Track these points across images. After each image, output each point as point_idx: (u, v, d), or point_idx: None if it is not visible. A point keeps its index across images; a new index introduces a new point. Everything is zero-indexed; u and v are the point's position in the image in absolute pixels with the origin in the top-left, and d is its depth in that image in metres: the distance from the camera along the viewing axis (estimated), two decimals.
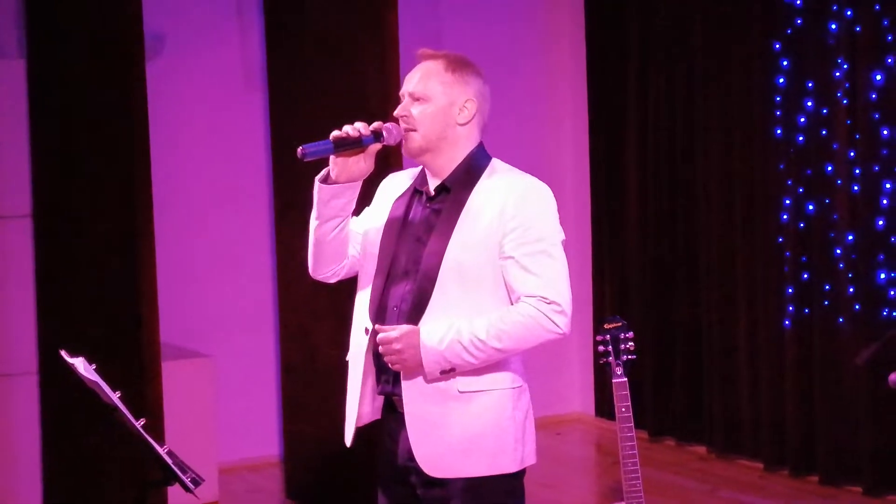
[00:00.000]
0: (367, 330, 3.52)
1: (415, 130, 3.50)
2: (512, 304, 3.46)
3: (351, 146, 3.44)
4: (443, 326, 3.41)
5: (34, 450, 6.19)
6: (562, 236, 3.52)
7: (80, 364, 3.38)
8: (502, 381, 3.51)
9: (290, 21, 6.71)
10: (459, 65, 3.55)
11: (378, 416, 3.62)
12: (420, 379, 3.45)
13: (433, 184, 3.57)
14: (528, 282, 3.43)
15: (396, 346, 3.40)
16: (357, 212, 3.67)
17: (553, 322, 3.42)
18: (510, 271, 3.45)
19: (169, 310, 6.67)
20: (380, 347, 3.43)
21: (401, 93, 3.58)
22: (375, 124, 3.49)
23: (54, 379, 6.02)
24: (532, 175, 3.57)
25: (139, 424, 3.45)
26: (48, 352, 5.97)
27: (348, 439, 3.63)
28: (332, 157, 3.47)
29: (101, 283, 6.11)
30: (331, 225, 3.55)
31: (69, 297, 6.10)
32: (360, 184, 3.53)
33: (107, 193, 6.13)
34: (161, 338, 6.31)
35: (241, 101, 7.33)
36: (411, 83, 3.54)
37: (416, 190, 3.61)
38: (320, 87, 6.61)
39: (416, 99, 3.52)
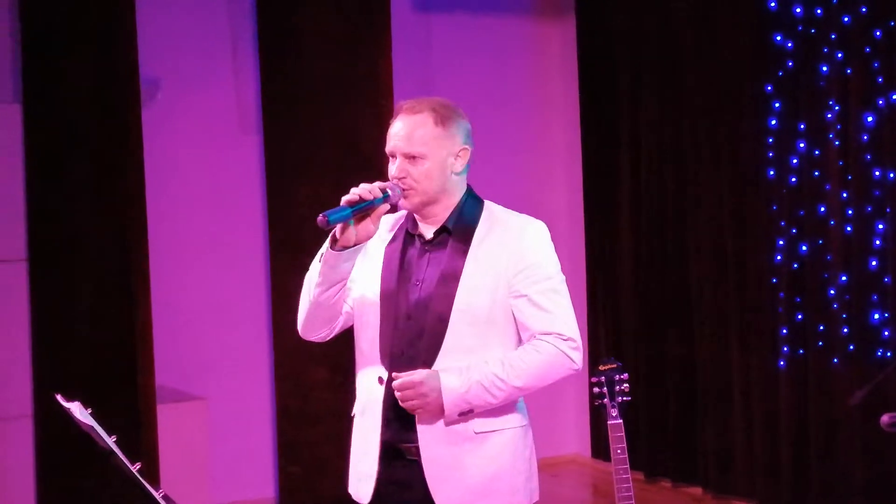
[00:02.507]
0: (380, 379, 3.47)
1: (414, 190, 3.45)
2: (524, 342, 3.47)
3: (365, 208, 3.37)
4: (461, 369, 3.41)
5: (29, 493, 6.18)
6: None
7: (76, 408, 3.38)
8: (513, 420, 3.52)
9: (285, 64, 6.73)
10: (447, 114, 3.49)
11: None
12: (436, 423, 3.43)
13: (428, 228, 3.54)
14: (542, 319, 3.45)
15: (422, 389, 3.37)
16: None
17: (570, 358, 3.46)
18: (523, 309, 3.46)
19: (164, 352, 6.67)
20: (397, 393, 3.39)
21: (389, 150, 3.50)
22: (379, 184, 3.41)
23: (49, 422, 6.01)
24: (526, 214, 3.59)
25: (135, 469, 3.44)
26: (43, 395, 5.97)
27: (367, 496, 3.51)
28: (344, 223, 3.37)
29: (96, 326, 6.11)
30: (335, 289, 3.50)
31: (65, 341, 6.10)
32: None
33: (102, 237, 6.14)
34: (156, 380, 6.31)
35: (235, 144, 7.34)
36: (402, 142, 3.46)
37: (409, 234, 3.58)
38: (315, 129, 6.64)
39: (410, 157, 3.45)
